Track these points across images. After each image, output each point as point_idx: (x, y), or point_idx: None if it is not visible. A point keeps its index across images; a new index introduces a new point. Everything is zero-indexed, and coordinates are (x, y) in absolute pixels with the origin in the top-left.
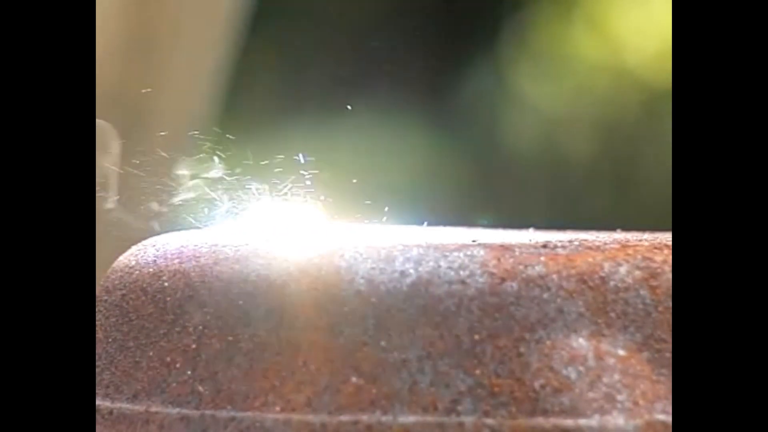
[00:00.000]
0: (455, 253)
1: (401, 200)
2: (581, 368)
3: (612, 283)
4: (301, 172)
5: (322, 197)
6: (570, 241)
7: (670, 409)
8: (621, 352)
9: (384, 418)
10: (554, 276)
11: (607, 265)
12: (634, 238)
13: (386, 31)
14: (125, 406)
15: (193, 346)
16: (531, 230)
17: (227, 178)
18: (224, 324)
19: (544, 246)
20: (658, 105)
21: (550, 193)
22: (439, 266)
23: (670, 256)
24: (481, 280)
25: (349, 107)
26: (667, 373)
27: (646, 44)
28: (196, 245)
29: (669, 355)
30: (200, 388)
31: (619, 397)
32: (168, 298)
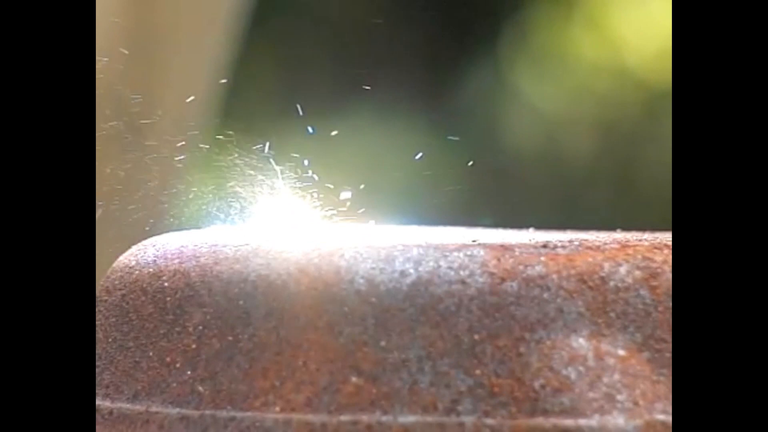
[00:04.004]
0: (455, 253)
1: (401, 200)
2: (581, 368)
3: (612, 283)
4: (302, 171)
5: (322, 197)
6: (570, 241)
7: (670, 409)
8: (621, 352)
9: (384, 418)
10: (554, 276)
11: (607, 265)
12: (634, 238)
13: (386, 30)
14: (125, 406)
15: (193, 346)
16: (531, 230)
17: (227, 178)
18: (224, 324)
19: (544, 246)
20: (658, 105)
21: (550, 193)
22: (439, 266)
23: (670, 256)
24: (481, 280)
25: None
26: (667, 373)
27: (646, 44)
28: (196, 245)
29: (669, 355)
30: (200, 388)
31: (619, 397)
32: (168, 298)
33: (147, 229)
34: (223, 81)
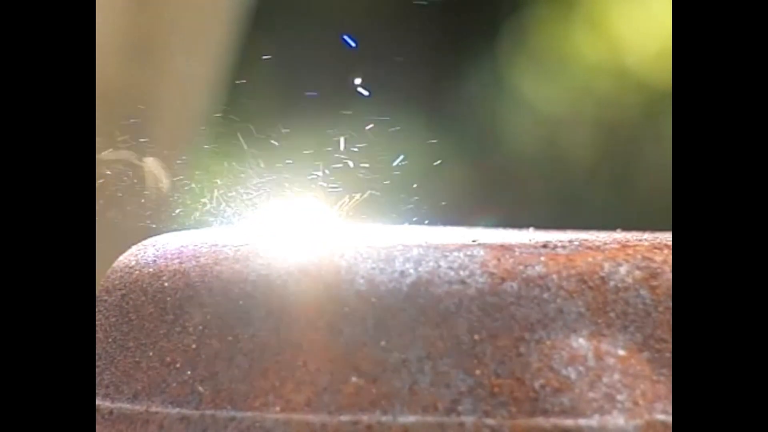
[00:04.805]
0: (455, 253)
1: (401, 200)
2: (581, 368)
3: (612, 283)
4: (301, 171)
5: (322, 197)
6: (570, 241)
7: (670, 409)
8: (621, 352)
9: (384, 418)
10: (554, 276)
11: (607, 265)
12: (634, 238)
13: (386, 31)
14: (125, 406)
15: (193, 346)
16: (531, 230)
17: (228, 178)
18: (224, 324)
19: (544, 246)
20: (658, 105)
21: (550, 193)
22: (439, 266)
23: (670, 256)
24: (481, 280)
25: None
26: (667, 373)
27: (646, 44)
28: (196, 245)
29: (669, 355)
30: (200, 388)
31: (619, 397)
32: (168, 298)
33: (147, 229)
34: (234, 81)
